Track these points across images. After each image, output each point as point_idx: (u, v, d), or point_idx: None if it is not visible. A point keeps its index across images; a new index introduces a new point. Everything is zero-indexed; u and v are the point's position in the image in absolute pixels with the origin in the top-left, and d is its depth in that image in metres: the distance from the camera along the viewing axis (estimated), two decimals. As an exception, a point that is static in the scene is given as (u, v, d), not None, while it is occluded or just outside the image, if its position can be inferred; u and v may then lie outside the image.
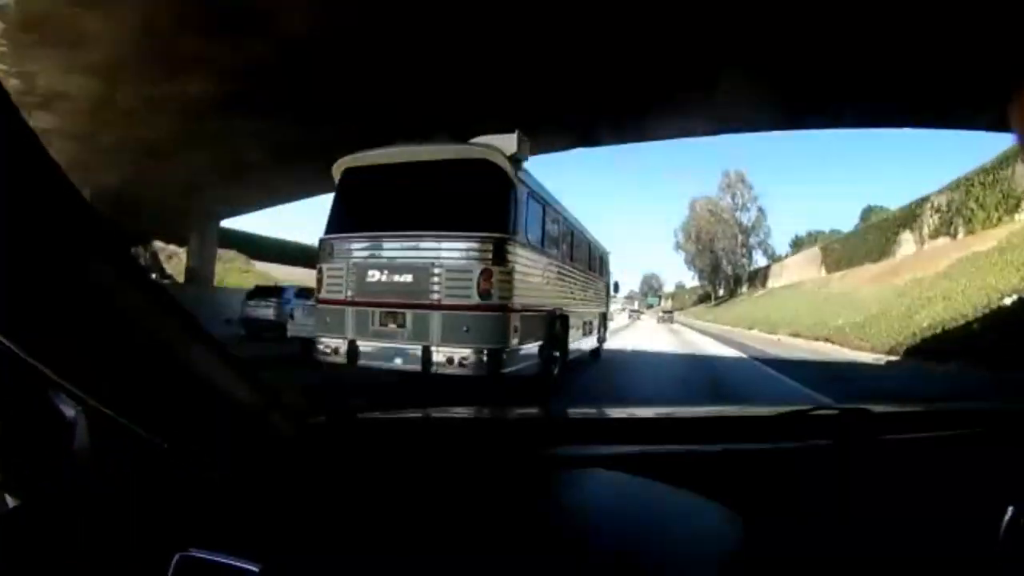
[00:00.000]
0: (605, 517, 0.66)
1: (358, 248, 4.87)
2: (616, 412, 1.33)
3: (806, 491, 0.75)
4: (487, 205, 4.64)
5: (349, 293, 4.83)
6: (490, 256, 4.44)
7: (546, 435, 0.95)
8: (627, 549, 0.57)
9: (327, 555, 0.57)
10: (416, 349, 4.46)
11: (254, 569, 0.54)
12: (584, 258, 8.03)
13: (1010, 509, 0.58)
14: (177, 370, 0.54)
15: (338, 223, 5.14)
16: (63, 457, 0.59)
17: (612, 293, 11.88)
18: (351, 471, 0.74)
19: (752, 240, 49.03)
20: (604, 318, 10.37)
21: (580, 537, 0.60)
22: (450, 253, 4.50)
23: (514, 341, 4.65)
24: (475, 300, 4.38)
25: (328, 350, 4.89)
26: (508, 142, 4.71)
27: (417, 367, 4.45)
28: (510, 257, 4.57)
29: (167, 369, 0.53)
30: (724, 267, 50.09)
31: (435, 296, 4.47)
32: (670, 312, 43.57)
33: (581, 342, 7.68)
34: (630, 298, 66.55)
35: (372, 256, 4.78)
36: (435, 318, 4.48)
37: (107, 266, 0.46)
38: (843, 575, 0.62)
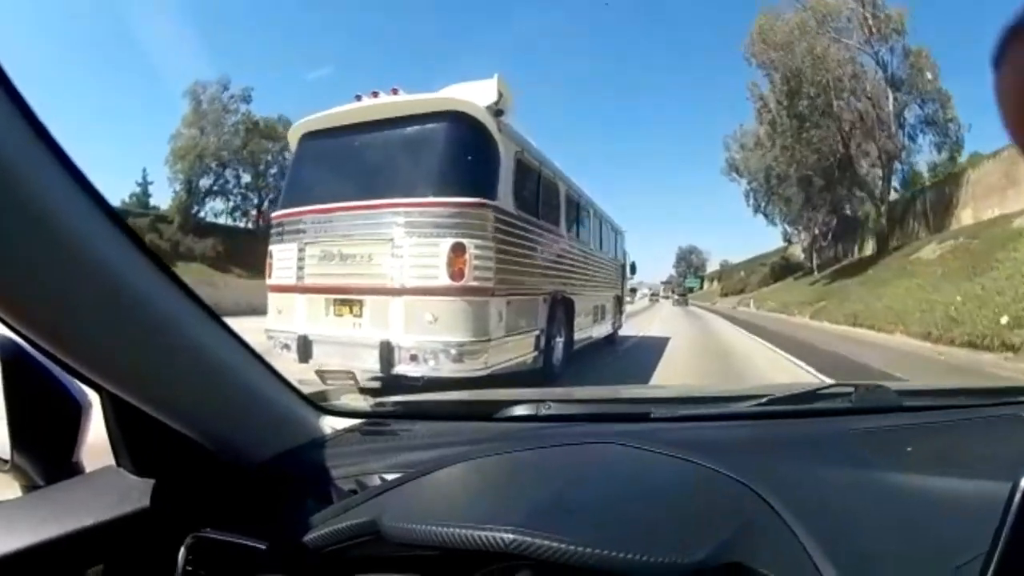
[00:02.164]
0: (613, 490, 0.63)
1: (309, 224, 4.06)
2: (625, 391, 1.52)
3: (822, 465, 0.70)
4: (460, 166, 3.77)
5: (299, 278, 4.04)
6: (463, 227, 3.58)
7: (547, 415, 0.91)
8: (637, 520, 0.55)
9: (330, 533, 0.57)
10: (376, 344, 3.63)
11: (261, 547, 0.56)
12: (594, 235, 7.08)
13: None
14: (197, 359, 0.57)
15: (292, 197, 4.36)
16: (77, 442, 0.67)
17: (629, 275, 10.85)
18: (361, 463, 0.74)
19: (910, 114, 22.04)
20: (619, 302, 9.36)
21: (587, 510, 0.56)
22: (415, 226, 3.64)
23: (498, 331, 3.79)
24: (444, 282, 3.52)
25: (279, 346, 4.12)
26: (486, 89, 3.82)
27: (376, 367, 3.62)
28: (490, 228, 3.69)
29: (187, 358, 0.56)
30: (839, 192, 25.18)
31: (396, 279, 3.63)
32: (684, 296, 42.03)
33: (591, 329, 6.73)
34: (667, 282, 62.82)
35: (325, 233, 3.96)
36: (397, 305, 3.63)
37: (123, 256, 0.48)
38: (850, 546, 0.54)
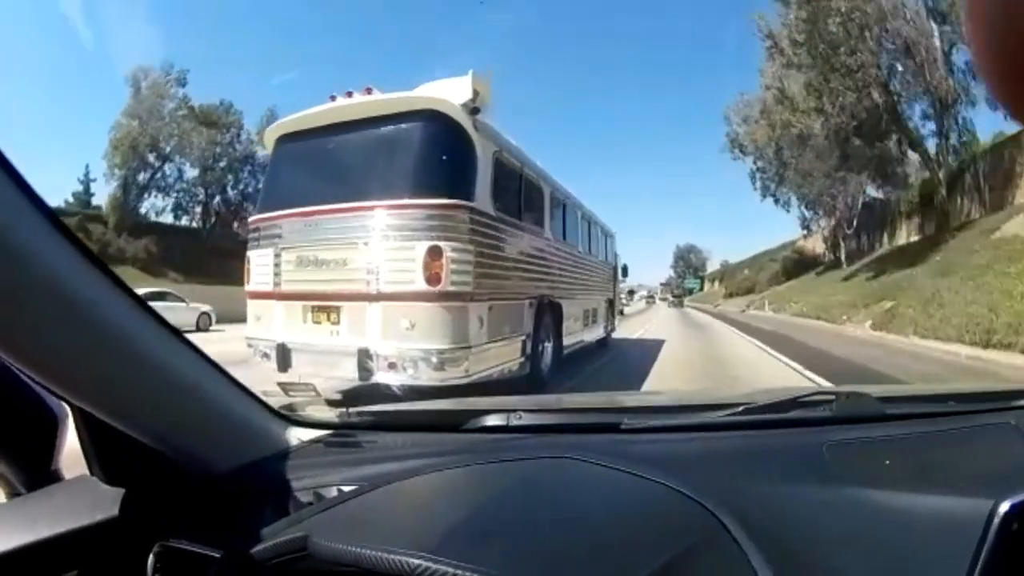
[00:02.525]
0: (549, 511, 0.62)
1: (286, 229, 3.95)
2: (604, 399, 1.43)
3: (791, 481, 0.68)
4: (435, 166, 3.65)
5: (276, 284, 3.94)
6: (440, 229, 3.46)
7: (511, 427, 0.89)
8: (566, 544, 0.54)
9: (270, 547, 0.57)
10: (354, 352, 3.53)
11: (216, 556, 0.58)
12: (582, 237, 6.94)
13: (1005, 504, 0.51)
14: (156, 372, 0.58)
15: (269, 201, 4.27)
16: (55, 451, 0.70)
17: (621, 277, 10.72)
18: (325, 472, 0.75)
19: (959, 58, 16.67)
20: (611, 305, 9.24)
21: (510, 534, 0.56)
22: (390, 229, 3.53)
23: (479, 338, 3.68)
24: (421, 287, 3.41)
25: (259, 354, 4.03)
26: (460, 87, 3.69)
27: (355, 376, 3.53)
28: (469, 230, 3.58)
29: (145, 371, 0.57)
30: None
31: (372, 284, 3.52)
32: (679, 298, 42.88)
33: (581, 333, 6.60)
34: (666, 284, 61.96)
35: (300, 238, 3.85)
36: (374, 312, 3.53)
37: (74, 270, 0.49)
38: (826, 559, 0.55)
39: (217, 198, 29.98)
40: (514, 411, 0.91)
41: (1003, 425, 0.83)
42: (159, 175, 28.16)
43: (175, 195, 29.16)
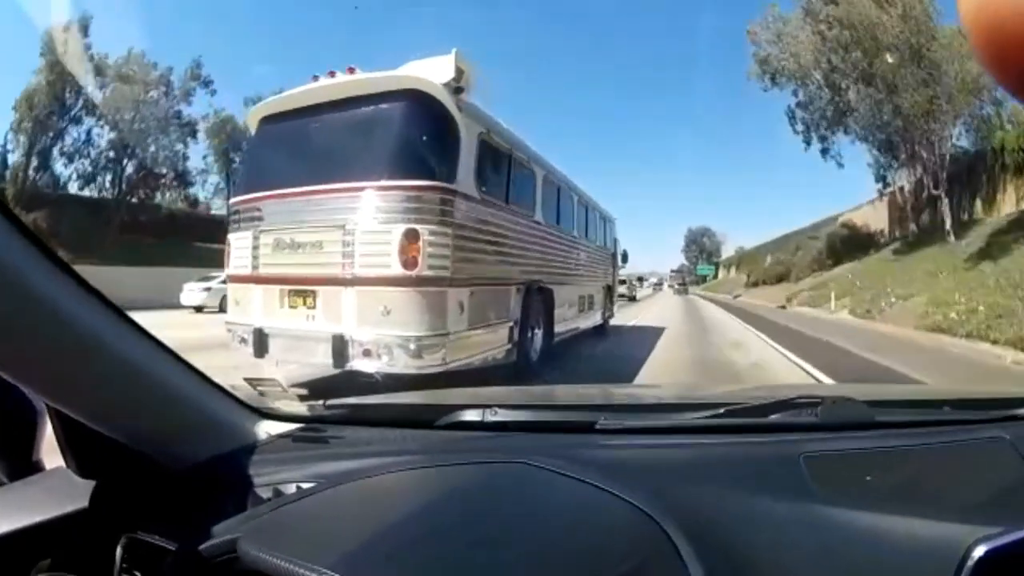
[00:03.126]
0: (478, 527, 0.59)
1: (265, 211, 3.86)
2: (586, 394, 1.43)
3: (762, 495, 0.63)
4: (414, 147, 3.53)
5: (254, 267, 3.85)
6: (417, 212, 3.34)
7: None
8: (485, 564, 0.52)
9: (213, 545, 0.57)
10: (329, 338, 3.43)
11: (171, 547, 0.60)
12: (578, 221, 6.77)
13: (980, 549, 0.49)
14: (118, 367, 0.59)
15: (250, 182, 4.19)
16: (35, 442, 0.71)
17: (620, 263, 10.51)
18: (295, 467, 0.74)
19: None
20: (609, 291, 9.07)
21: (420, 553, 0.54)
22: (367, 211, 3.42)
23: (458, 324, 3.56)
24: (398, 271, 3.29)
25: (237, 339, 3.95)
26: (443, 66, 3.56)
27: (330, 362, 3.43)
28: (449, 213, 3.45)
29: (109, 366, 0.57)
30: None
31: (348, 268, 3.41)
32: (684, 285, 42.70)
33: (576, 320, 6.45)
34: (678, 271, 60.56)
35: (278, 220, 3.76)
36: (349, 296, 3.42)
37: (27, 262, 0.48)
38: None
39: (128, 164, 25.62)
40: (489, 406, 0.89)
41: (997, 440, 0.77)
42: (65, 139, 24.13)
43: (84, 162, 24.77)
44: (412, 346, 3.30)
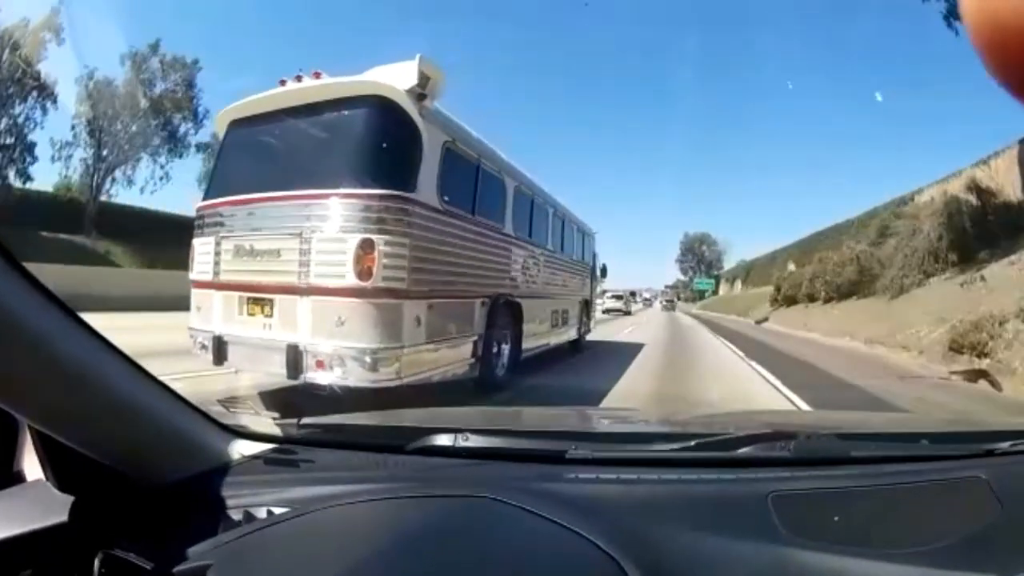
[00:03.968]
0: (460, 551, 0.61)
1: (226, 217, 3.80)
2: (558, 418, 1.43)
3: (725, 535, 0.63)
4: (373, 154, 3.46)
5: (215, 273, 3.80)
6: (374, 222, 3.27)
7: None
8: None
9: (196, 568, 0.58)
10: (285, 348, 3.36)
11: (146, 566, 0.61)
12: (552, 234, 6.63)
13: None
14: (96, 388, 0.60)
15: (215, 188, 4.13)
16: (16, 453, 0.70)
17: (600, 278, 10.37)
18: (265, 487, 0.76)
19: None
20: (587, 305, 8.88)
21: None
22: (323, 220, 3.35)
23: (415, 338, 3.48)
24: (352, 282, 3.22)
25: (198, 346, 3.91)
26: (406, 72, 3.48)
27: (285, 372, 3.36)
28: (407, 224, 3.37)
29: (85, 386, 0.58)
30: None
31: (304, 277, 3.35)
32: (671, 302, 42.85)
33: (548, 336, 6.33)
34: (673, 287, 60.31)
35: (238, 227, 3.71)
36: (304, 306, 3.36)
37: (12, 292, 0.49)
38: None
39: (16, 149, 21.61)
40: (461, 431, 0.89)
41: (973, 480, 0.76)
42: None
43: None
44: (367, 359, 3.23)
